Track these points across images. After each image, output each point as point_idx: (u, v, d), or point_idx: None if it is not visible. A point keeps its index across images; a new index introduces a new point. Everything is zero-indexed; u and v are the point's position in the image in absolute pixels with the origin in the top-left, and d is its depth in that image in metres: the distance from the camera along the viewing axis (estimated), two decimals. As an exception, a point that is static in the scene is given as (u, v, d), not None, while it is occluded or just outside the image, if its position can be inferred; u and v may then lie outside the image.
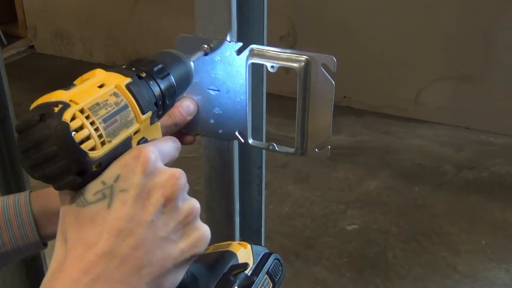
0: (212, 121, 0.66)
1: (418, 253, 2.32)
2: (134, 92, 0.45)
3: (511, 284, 2.15)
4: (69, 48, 4.46)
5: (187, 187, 0.46)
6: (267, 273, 0.55)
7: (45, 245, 0.66)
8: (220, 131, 0.67)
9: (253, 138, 0.67)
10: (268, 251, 0.58)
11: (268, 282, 0.55)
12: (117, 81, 0.45)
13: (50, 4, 4.38)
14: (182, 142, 0.68)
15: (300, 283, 2.15)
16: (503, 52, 3.09)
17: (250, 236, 0.81)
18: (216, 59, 0.63)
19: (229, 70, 0.63)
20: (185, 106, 0.65)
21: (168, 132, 0.64)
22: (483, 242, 2.37)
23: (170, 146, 0.49)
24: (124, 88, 0.45)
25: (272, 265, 0.56)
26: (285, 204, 2.63)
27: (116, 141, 0.43)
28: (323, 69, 0.59)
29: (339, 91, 3.42)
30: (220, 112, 0.65)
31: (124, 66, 0.48)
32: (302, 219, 2.53)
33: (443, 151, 3.06)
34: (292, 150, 0.65)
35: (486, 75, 3.17)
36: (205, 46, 0.62)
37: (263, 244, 0.83)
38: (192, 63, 0.57)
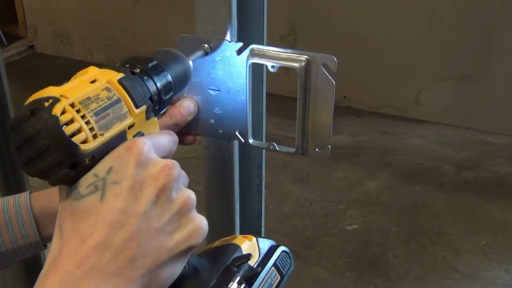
0: (212, 121, 0.66)
1: (418, 253, 2.31)
2: (126, 87, 0.45)
3: (511, 284, 2.15)
4: (69, 48, 4.46)
5: (182, 178, 0.46)
6: (274, 265, 0.54)
7: (46, 246, 0.66)
8: (221, 131, 0.67)
9: (253, 138, 0.67)
10: (275, 244, 0.56)
11: (276, 274, 0.53)
12: (110, 76, 0.45)
13: (50, 4, 4.38)
14: (182, 142, 0.69)
15: (300, 283, 2.15)
16: (503, 52, 3.09)
17: (250, 236, 0.81)
18: (216, 59, 0.63)
19: (229, 70, 0.63)
20: (186, 106, 0.65)
21: (168, 132, 0.64)
22: (483, 242, 2.37)
23: (165, 139, 0.48)
24: (116, 82, 0.45)
25: (279, 258, 0.55)
26: (285, 204, 2.63)
27: (109, 134, 0.43)
28: (323, 69, 0.59)
29: (339, 91, 3.42)
30: (221, 112, 0.65)
31: (118, 64, 0.49)
32: (302, 219, 2.53)
33: (443, 151, 3.06)
34: (292, 150, 0.65)
35: (486, 75, 3.17)
36: (205, 45, 0.62)
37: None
38: (191, 62, 0.57)
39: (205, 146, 0.71)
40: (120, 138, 0.44)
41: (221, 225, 0.76)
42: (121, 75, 0.46)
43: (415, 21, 3.22)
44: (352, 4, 3.35)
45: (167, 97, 0.51)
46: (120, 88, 0.45)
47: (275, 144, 0.66)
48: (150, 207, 0.42)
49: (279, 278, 0.54)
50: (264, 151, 0.76)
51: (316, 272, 2.21)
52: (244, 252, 0.53)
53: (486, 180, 2.80)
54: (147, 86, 0.48)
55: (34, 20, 4.52)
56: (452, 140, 3.17)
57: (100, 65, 0.47)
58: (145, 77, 0.48)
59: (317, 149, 0.63)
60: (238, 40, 0.63)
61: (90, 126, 0.41)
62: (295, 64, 0.59)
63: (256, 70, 0.67)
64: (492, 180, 2.80)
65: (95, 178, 0.42)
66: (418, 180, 2.80)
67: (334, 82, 0.59)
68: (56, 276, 0.40)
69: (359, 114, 3.45)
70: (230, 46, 0.62)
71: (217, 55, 0.63)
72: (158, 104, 0.50)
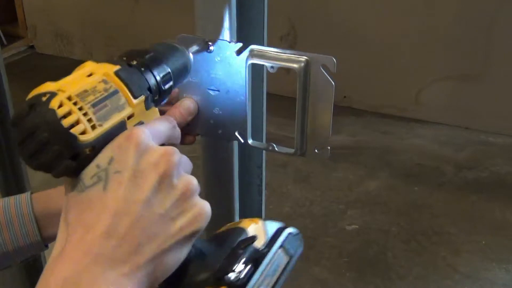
0: (212, 121, 0.66)
1: (418, 253, 2.32)
2: (123, 78, 0.46)
3: (511, 284, 2.15)
4: (69, 48, 4.46)
5: (185, 164, 0.47)
6: (282, 246, 0.53)
7: (47, 246, 0.66)
8: (220, 132, 0.67)
9: (254, 138, 0.67)
10: (283, 226, 0.56)
11: (283, 256, 0.53)
12: (106, 69, 0.47)
13: (50, 4, 4.38)
14: (182, 142, 0.69)
15: (300, 283, 2.15)
16: (503, 52, 3.09)
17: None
18: (216, 59, 0.63)
19: (229, 71, 0.63)
20: (185, 106, 0.65)
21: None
22: (483, 242, 2.37)
23: (163, 126, 0.50)
24: (112, 75, 0.46)
25: (286, 239, 0.54)
26: (285, 204, 2.63)
27: (107, 125, 0.44)
28: (323, 70, 0.59)
29: (339, 91, 3.41)
30: (220, 112, 0.65)
31: (116, 57, 0.50)
32: (302, 219, 2.53)
33: (443, 151, 3.06)
34: (291, 150, 0.65)
35: (486, 75, 3.17)
36: (205, 39, 0.62)
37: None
38: (190, 54, 0.59)
39: (205, 146, 0.71)
40: (120, 128, 0.45)
41: (220, 225, 0.76)
42: (117, 67, 0.47)
43: (415, 21, 3.22)
44: (352, 4, 3.35)
45: (167, 87, 0.52)
46: (117, 79, 0.46)
47: (274, 145, 0.66)
48: (152, 194, 0.43)
49: (287, 259, 0.53)
50: (264, 151, 0.76)
51: (316, 272, 2.21)
52: (250, 235, 0.54)
53: (486, 180, 2.80)
54: (145, 77, 0.49)
55: (34, 20, 4.52)
56: (452, 140, 3.17)
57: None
58: (143, 69, 0.49)
59: (316, 150, 0.63)
60: (239, 40, 0.63)
61: (88, 118, 0.43)
62: (294, 65, 0.59)
63: (257, 70, 0.67)
64: (492, 180, 2.80)
65: (97, 169, 0.43)
66: (418, 180, 2.80)
67: (333, 83, 0.59)
68: (63, 265, 0.41)
69: (359, 114, 3.45)
70: (229, 46, 0.62)
71: (217, 56, 0.63)
72: (157, 94, 0.51)
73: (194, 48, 0.61)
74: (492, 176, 2.83)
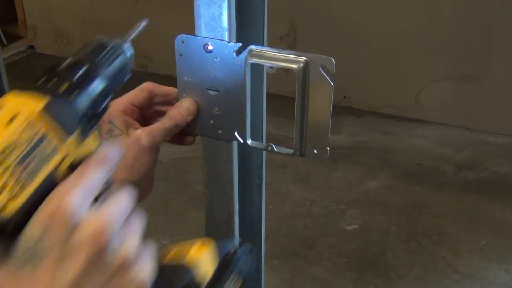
0: (211, 121, 0.66)
1: (418, 253, 2.32)
2: (53, 115, 0.39)
3: (511, 284, 2.15)
4: (69, 48, 4.46)
5: (122, 232, 0.42)
6: (235, 271, 0.52)
7: None
8: (220, 132, 0.67)
9: (254, 139, 0.67)
10: (235, 246, 0.55)
11: (236, 280, 0.52)
12: (31, 108, 0.38)
13: (50, 4, 4.38)
14: (182, 143, 0.69)
15: (300, 283, 2.14)
16: (503, 52, 3.09)
17: (250, 236, 0.81)
18: (215, 59, 0.63)
19: (228, 71, 0.63)
20: (185, 107, 0.65)
21: (169, 133, 0.64)
22: (483, 242, 2.37)
23: (98, 173, 0.42)
24: (39, 115, 0.38)
25: (239, 261, 0.53)
26: (285, 204, 2.63)
27: (35, 184, 0.39)
28: (322, 70, 0.59)
29: (339, 91, 3.41)
30: (220, 112, 0.65)
31: (40, 82, 0.41)
32: (302, 219, 2.53)
33: (443, 151, 3.06)
34: (291, 151, 0.65)
35: (486, 75, 3.17)
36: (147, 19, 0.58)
37: (263, 244, 0.83)
38: (129, 43, 0.50)
39: (205, 147, 0.71)
40: (48, 183, 0.40)
41: (221, 225, 0.76)
42: (44, 101, 0.39)
43: (415, 21, 3.22)
44: (352, 4, 3.35)
45: (104, 105, 0.44)
46: (45, 120, 0.39)
47: (273, 145, 0.66)
48: (81, 276, 0.40)
49: (241, 280, 0.53)
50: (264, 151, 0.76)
51: (316, 272, 2.21)
52: (199, 268, 0.51)
53: (486, 180, 2.80)
54: (77, 105, 0.41)
55: (34, 20, 4.52)
56: (452, 140, 3.17)
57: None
58: (74, 94, 0.41)
59: (315, 151, 0.63)
60: (239, 40, 0.63)
61: (11, 183, 0.37)
62: (293, 66, 0.59)
63: (257, 70, 0.67)
64: (492, 180, 2.80)
65: (26, 248, 0.39)
66: (418, 180, 2.80)
67: (332, 83, 0.59)
68: None
69: (359, 114, 3.45)
70: (229, 46, 0.62)
71: (216, 56, 0.63)
72: (95, 117, 0.43)
73: (133, 35, 0.54)
74: (492, 176, 2.83)
